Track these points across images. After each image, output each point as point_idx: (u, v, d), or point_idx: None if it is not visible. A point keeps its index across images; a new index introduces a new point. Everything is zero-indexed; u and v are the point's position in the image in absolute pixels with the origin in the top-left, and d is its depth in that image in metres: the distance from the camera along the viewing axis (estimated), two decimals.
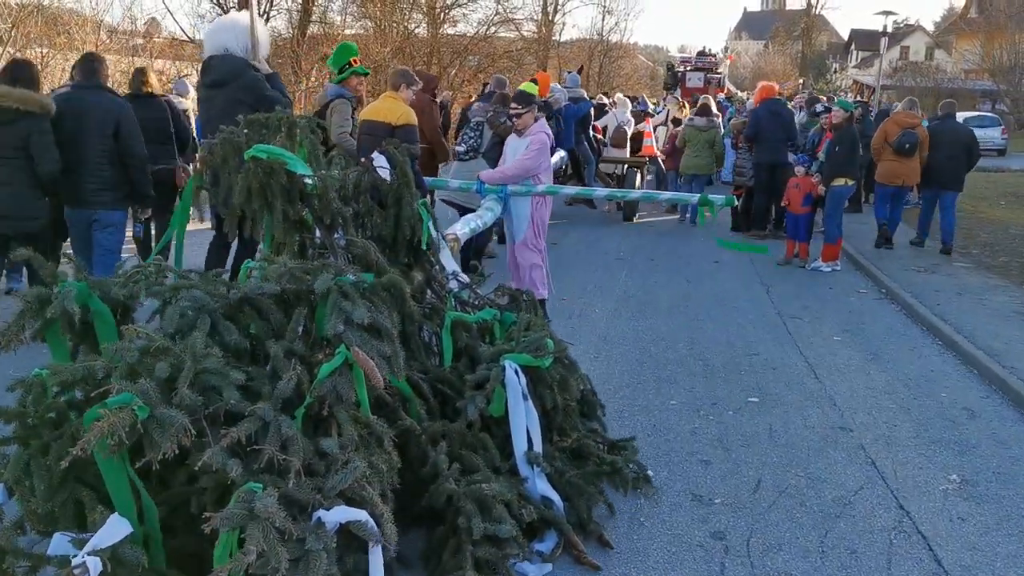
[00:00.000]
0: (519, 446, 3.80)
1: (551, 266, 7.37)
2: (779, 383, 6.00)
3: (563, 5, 38.97)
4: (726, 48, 65.24)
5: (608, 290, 8.66)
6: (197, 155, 6.69)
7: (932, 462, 4.79)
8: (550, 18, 38.38)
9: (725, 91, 31.84)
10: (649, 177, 15.00)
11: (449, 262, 4.83)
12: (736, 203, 8.81)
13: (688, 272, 9.74)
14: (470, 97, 17.85)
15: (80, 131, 5.86)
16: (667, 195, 9.62)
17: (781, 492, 4.33)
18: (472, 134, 8.59)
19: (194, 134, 9.09)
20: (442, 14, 29.62)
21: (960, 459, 4.85)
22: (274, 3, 22.73)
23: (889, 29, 24.96)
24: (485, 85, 12.66)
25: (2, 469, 2.80)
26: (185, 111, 9.79)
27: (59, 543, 2.65)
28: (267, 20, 21.80)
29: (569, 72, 16.03)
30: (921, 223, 11.37)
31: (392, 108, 6.82)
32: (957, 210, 11.26)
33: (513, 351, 4.00)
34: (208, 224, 5.71)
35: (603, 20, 59.02)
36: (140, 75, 7.49)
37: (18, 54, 14.33)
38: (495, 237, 9.88)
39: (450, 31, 30.71)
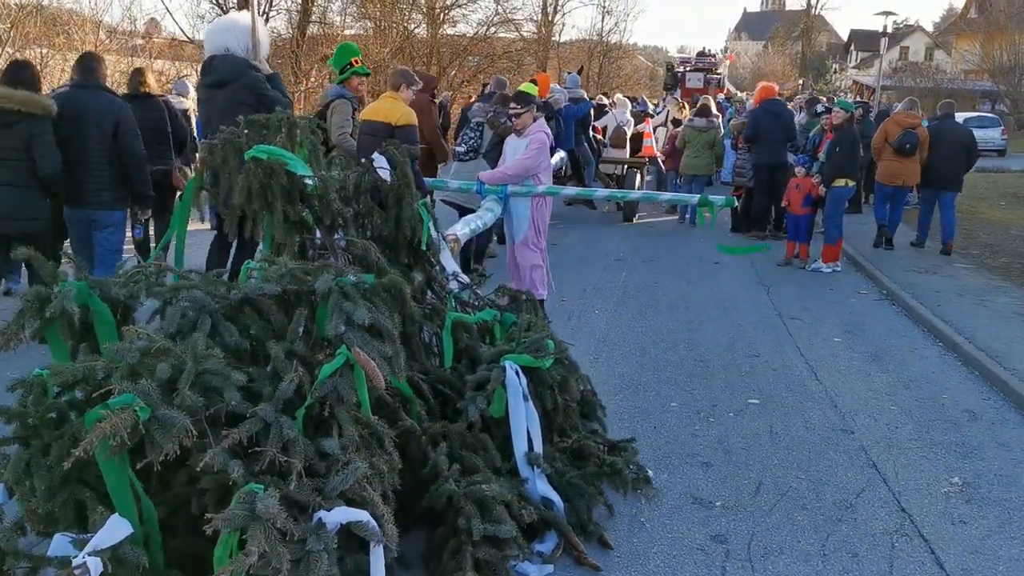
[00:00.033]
0: (519, 447, 3.79)
1: (551, 266, 7.36)
2: (780, 385, 5.99)
3: (563, 5, 38.96)
4: (726, 48, 65.21)
5: (608, 291, 8.65)
6: (197, 155, 6.68)
7: (934, 464, 4.78)
8: (550, 19, 38.37)
9: (725, 91, 31.82)
10: (649, 178, 15.00)
11: (449, 263, 4.83)
12: (736, 204, 8.79)
13: (688, 273, 9.73)
14: (470, 97, 17.85)
15: (79, 131, 5.85)
16: (667, 196, 9.61)
17: (782, 495, 4.32)
18: (472, 134, 8.58)
19: (194, 134, 9.09)
20: (442, 14, 29.61)
21: (962, 461, 4.84)
22: (273, 3, 22.70)
23: (889, 29, 24.97)
24: (485, 86, 12.66)
25: (2, 469, 2.80)
26: (186, 111, 9.79)
27: (59, 544, 2.65)
28: (267, 20, 21.75)
29: (569, 73, 16.02)
30: (921, 224, 11.37)
31: (392, 108, 6.82)
32: (957, 211, 11.27)
33: (514, 352, 3.99)
34: (207, 225, 5.70)
35: (603, 20, 59.10)
36: (138, 75, 7.48)
37: (17, 54, 14.31)
38: (495, 237, 9.87)
39: (450, 31, 30.74)
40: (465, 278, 4.77)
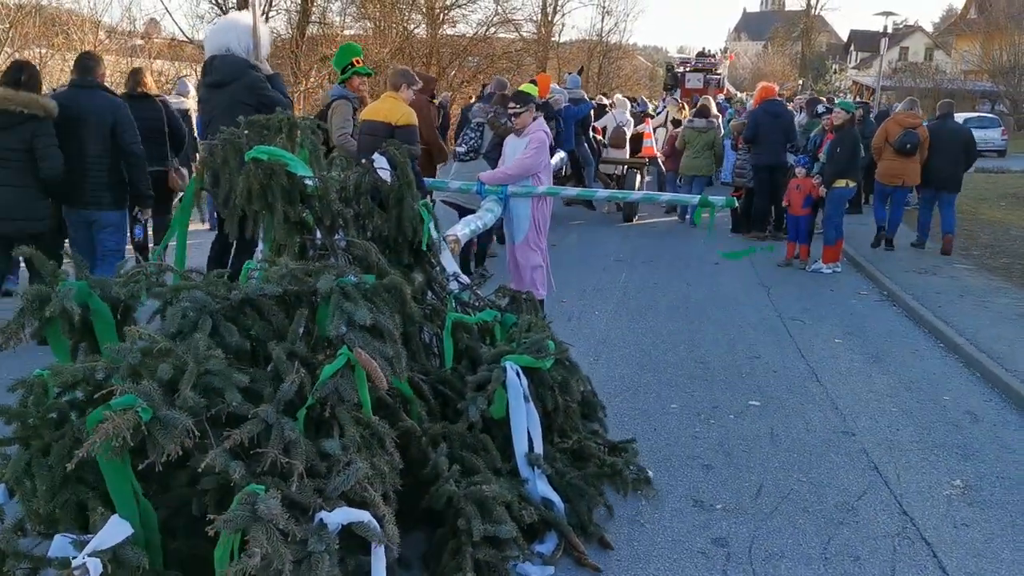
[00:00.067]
0: (520, 447, 3.79)
1: (551, 267, 7.34)
2: (780, 386, 5.97)
3: (562, 6, 38.89)
4: (725, 49, 65.18)
5: (607, 292, 8.64)
6: (198, 156, 6.67)
7: (935, 467, 4.76)
8: (549, 19, 38.34)
9: (724, 92, 31.83)
10: (649, 178, 14.99)
11: (450, 263, 4.82)
12: (736, 205, 8.78)
13: (688, 274, 9.72)
14: (469, 98, 17.84)
15: (77, 131, 5.85)
16: (667, 196, 9.59)
17: (783, 498, 4.31)
18: (473, 135, 8.57)
19: (195, 134, 9.07)
20: (441, 15, 29.59)
21: (963, 464, 4.82)
22: (273, 3, 22.68)
23: (889, 30, 24.96)
24: (484, 86, 12.66)
25: (3, 470, 2.79)
26: (187, 111, 9.77)
27: (60, 545, 2.64)
28: (266, 20, 21.73)
29: (570, 73, 16.02)
30: (921, 224, 11.36)
31: (393, 108, 6.81)
32: (957, 211, 11.29)
33: (514, 352, 3.98)
34: (207, 226, 5.70)
35: (602, 21, 59.01)
36: (135, 75, 7.48)
37: (16, 55, 14.30)
38: (494, 238, 9.85)
39: (449, 32, 30.71)
40: (465, 279, 4.77)
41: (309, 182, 3.88)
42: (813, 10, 69.36)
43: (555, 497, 3.76)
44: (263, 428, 2.71)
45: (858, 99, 27.94)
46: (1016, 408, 5.74)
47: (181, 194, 7.75)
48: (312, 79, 22.36)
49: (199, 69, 7.10)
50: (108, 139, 5.94)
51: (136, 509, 2.67)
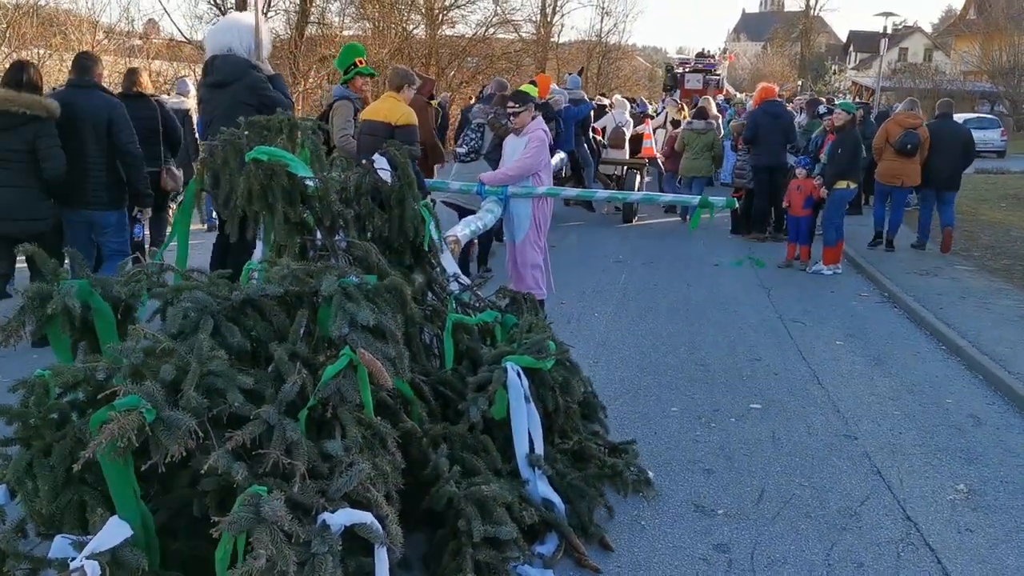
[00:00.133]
0: (520, 448, 3.77)
1: (550, 268, 7.32)
2: (781, 389, 5.95)
3: (561, 6, 38.91)
4: (725, 49, 65.17)
5: (607, 293, 8.62)
6: (198, 156, 6.63)
7: (939, 471, 4.73)
8: (548, 19, 38.33)
9: (724, 93, 31.83)
10: (649, 179, 14.97)
11: (450, 264, 4.80)
12: (736, 205, 8.76)
13: (688, 275, 9.70)
14: (469, 99, 17.81)
15: (75, 131, 5.84)
16: (667, 197, 9.56)
17: (785, 502, 4.27)
18: (473, 136, 8.56)
19: (196, 134, 9.03)
20: (440, 15, 29.56)
21: (967, 468, 4.79)
22: (272, 4, 22.63)
23: (888, 30, 24.91)
24: (483, 87, 12.63)
25: (4, 470, 2.77)
26: (187, 111, 9.74)
27: (60, 546, 2.62)
28: (266, 20, 21.69)
29: (569, 74, 16.00)
30: (921, 225, 11.35)
31: (393, 108, 6.79)
32: (957, 212, 11.29)
33: (515, 353, 3.97)
34: (205, 226, 5.68)
35: (602, 21, 58.96)
36: (132, 75, 7.45)
37: (14, 55, 14.26)
38: (493, 238, 9.82)
39: (448, 32, 30.68)
40: (466, 279, 4.75)
41: (310, 183, 3.87)
42: (812, 11, 69.53)
43: (555, 498, 3.74)
44: (265, 429, 2.70)
45: (858, 100, 27.95)
46: (1019, 411, 5.71)
47: (174, 194, 7.75)
48: (311, 80, 22.32)
49: (197, 69, 7.07)
50: (105, 139, 5.93)
51: (137, 510, 2.65)
